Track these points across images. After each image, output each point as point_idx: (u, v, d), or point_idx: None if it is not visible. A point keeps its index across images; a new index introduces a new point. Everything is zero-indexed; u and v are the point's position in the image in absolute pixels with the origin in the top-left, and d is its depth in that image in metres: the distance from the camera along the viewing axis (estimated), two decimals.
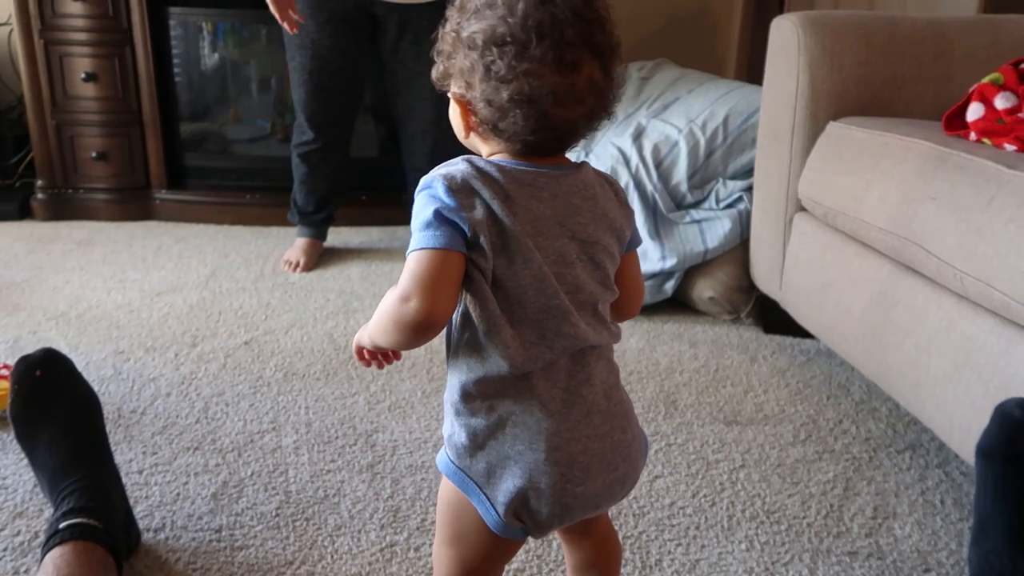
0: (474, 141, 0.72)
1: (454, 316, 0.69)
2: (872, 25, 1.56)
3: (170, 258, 2.17)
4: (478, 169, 0.67)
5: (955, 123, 1.33)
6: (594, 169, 0.74)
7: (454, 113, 0.71)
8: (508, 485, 0.68)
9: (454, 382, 0.71)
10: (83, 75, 2.41)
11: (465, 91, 0.68)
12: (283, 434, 1.30)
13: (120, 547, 0.94)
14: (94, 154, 2.49)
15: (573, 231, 0.69)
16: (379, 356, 0.77)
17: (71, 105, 2.45)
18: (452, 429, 0.71)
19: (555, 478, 0.67)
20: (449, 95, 0.71)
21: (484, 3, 0.67)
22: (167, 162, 2.55)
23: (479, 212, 0.65)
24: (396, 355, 0.77)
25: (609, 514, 1.11)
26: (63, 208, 2.52)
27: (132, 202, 2.54)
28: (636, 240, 0.76)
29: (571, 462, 0.68)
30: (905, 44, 1.54)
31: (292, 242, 2.20)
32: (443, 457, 0.73)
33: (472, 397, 0.69)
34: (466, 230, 0.65)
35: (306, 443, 1.27)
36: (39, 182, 2.52)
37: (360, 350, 0.76)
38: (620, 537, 1.06)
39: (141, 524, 1.05)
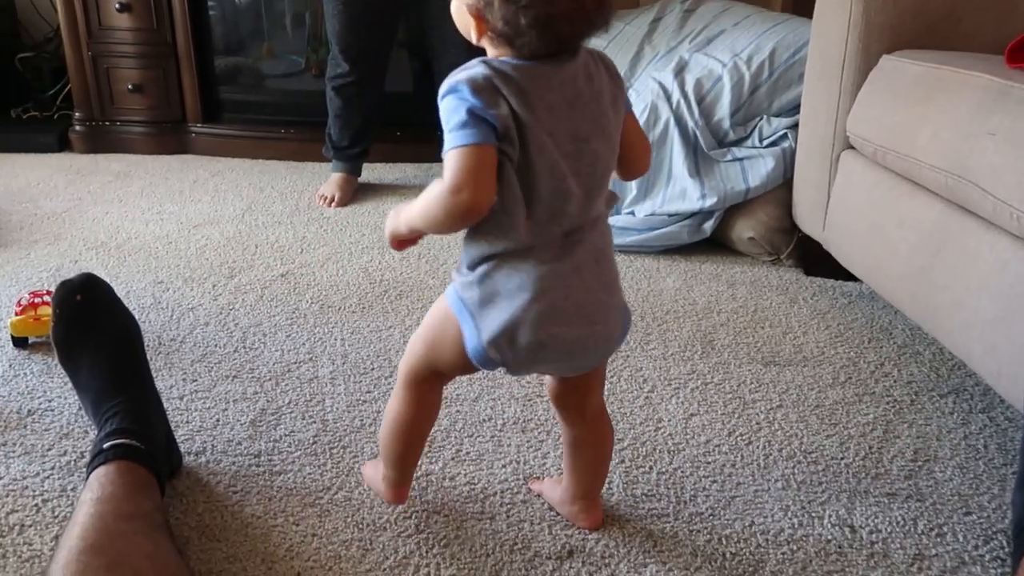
0: (484, 44, 0.78)
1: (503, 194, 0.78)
2: None
3: (206, 191, 2.18)
4: (495, 69, 0.74)
5: (1018, 55, 1.26)
6: (586, 49, 0.79)
7: (464, 19, 0.77)
8: (496, 316, 0.78)
9: (470, 252, 0.80)
10: (117, 5, 2.39)
11: (483, 8, 0.74)
12: (319, 365, 1.31)
13: (162, 468, 0.96)
14: (130, 86, 2.48)
15: (582, 111, 0.76)
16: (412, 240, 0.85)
17: (106, 36, 2.44)
18: (462, 270, 0.82)
19: (536, 315, 0.77)
20: (464, 9, 0.76)
21: None
22: (202, 96, 2.54)
23: (504, 108, 0.73)
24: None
25: (637, 444, 1.11)
26: (101, 141, 2.53)
27: (168, 135, 2.55)
28: (628, 104, 0.83)
29: (553, 304, 0.77)
30: None
31: (327, 177, 2.20)
32: (450, 287, 0.83)
33: (483, 260, 0.79)
34: (496, 125, 0.73)
35: (342, 374, 1.28)
36: (77, 114, 2.53)
37: (398, 240, 0.84)
38: (654, 472, 1.06)
39: (182, 448, 1.07)
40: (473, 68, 0.74)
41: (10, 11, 2.75)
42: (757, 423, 1.19)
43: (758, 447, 1.13)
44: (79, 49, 2.45)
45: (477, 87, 0.72)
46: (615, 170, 0.85)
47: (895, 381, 1.32)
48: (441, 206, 0.74)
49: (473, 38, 0.77)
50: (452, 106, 0.73)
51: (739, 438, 1.15)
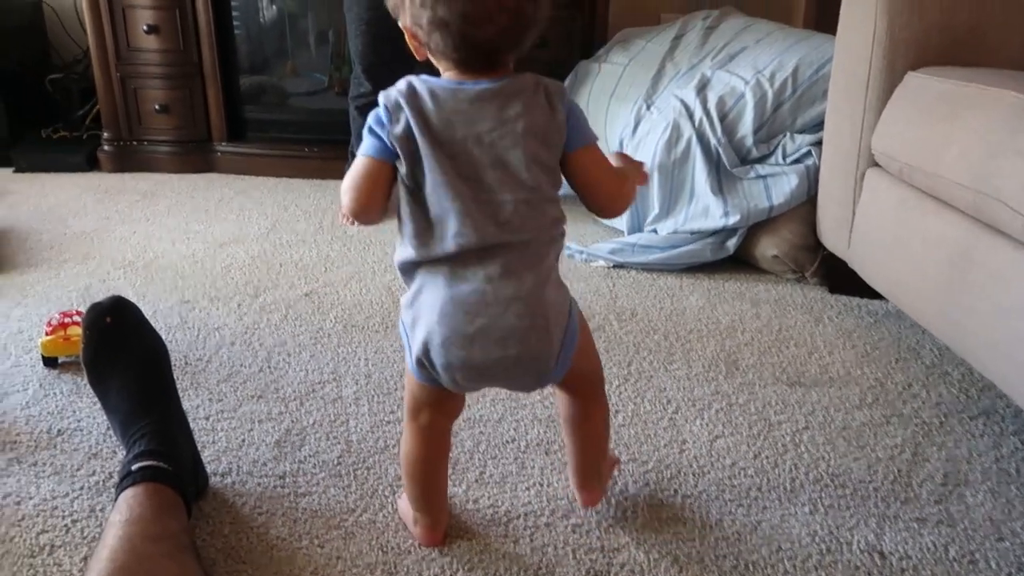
0: (429, 59, 0.83)
1: (401, 207, 0.83)
2: None
3: (231, 210, 2.20)
4: (411, 89, 0.79)
5: None
6: (535, 78, 0.81)
7: (408, 38, 0.82)
8: (418, 336, 0.83)
9: (395, 259, 0.86)
10: (145, 27, 2.43)
11: (406, 20, 0.80)
12: (343, 385, 1.31)
13: (188, 489, 0.97)
14: (157, 106, 2.52)
15: (492, 140, 0.78)
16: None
17: (134, 57, 2.48)
18: (405, 291, 0.87)
19: (441, 338, 0.81)
20: (400, 24, 0.82)
21: None
22: (227, 114, 2.57)
23: (399, 128, 0.78)
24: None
25: (662, 467, 1.10)
26: (128, 160, 2.57)
27: (194, 154, 2.58)
28: (578, 140, 0.83)
29: (454, 328, 0.80)
30: None
31: None
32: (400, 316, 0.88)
33: (404, 270, 0.85)
34: (387, 143, 0.79)
35: (366, 394, 1.28)
36: (105, 134, 2.57)
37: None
38: (679, 495, 1.06)
39: (208, 468, 1.08)
40: (398, 84, 0.80)
41: (41, 33, 2.81)
42: (783, 445, 1.18)
43: (784, 470, 1.12)
44: (108, 70, 2.49)
45: (387, 103, 0.79)
46: (587, 206, 0.88)
47: (923, 402, 1.30)
48: (342, 197, 0.84)
49: (418, 56, 0.83)
50: (370, 114, 0.81)
51: (765, 461, 1.14)
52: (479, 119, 0.79)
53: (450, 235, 0.79)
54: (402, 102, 0.78)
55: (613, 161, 0.91)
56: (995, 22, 1.45)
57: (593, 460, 1.00)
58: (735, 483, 1.09)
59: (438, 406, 0.91)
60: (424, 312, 0.82)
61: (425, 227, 0.80)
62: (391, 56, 2.06)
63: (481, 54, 0.79)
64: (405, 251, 0.83)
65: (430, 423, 0.91)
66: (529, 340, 0.81)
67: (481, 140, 0.78)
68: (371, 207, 0.82)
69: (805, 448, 1.17)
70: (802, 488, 1.08)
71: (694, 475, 1.11)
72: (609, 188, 0.87)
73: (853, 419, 1.25)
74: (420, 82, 0.80)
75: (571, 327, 0.86)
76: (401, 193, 0.82)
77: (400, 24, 0.81)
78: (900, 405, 1.29)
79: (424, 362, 0.83)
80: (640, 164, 0.95)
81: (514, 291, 0.80)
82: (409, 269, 0.84)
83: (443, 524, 0.97)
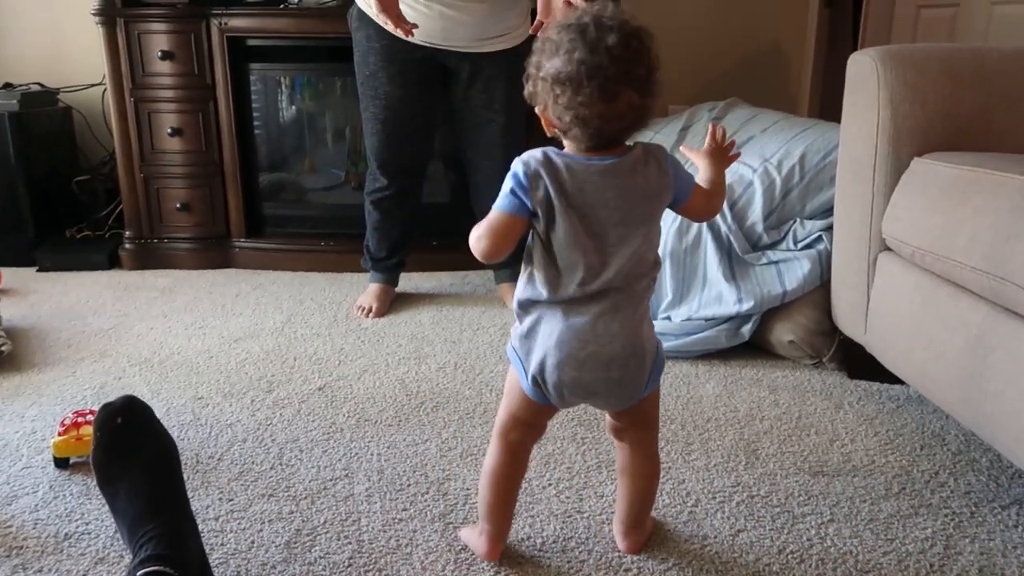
0: (557, 135, 0.97)
1: (528, 252, 0.99)
2: (957, 57, 1.50)
3: (248, 305, 2.22)
4: (548, 159, 0.94)
5: None
6: (643, 147, 0.97)
7: (543, 120, 0.97)
8: (534, 359, 0.98)
9: (516, 293, 1.01)
10: (169, 130, 2.52)
11: (544, 110, 0.95)
12: (355, 481, 1.29)
13: None
14: (178, 205, 2.58)
15: (615, 204, 0.94)
16: None
17: (158, 159, 2.57)
18: (515, 324, 1.02)
19: (556, 361, 0.96)
20: (536, 110, 0.97)
21: (553, 49, 0.92)
22: (246, 211, 2.63)
23: (540, 193, 0.94)
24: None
25: (683, 564, 1.06)
26: (148, 257, 2.62)
27: (213, 251, 2.63)
28: (685, 190, 1.00)
29: (569, 353, 0.95)
30: (994, 76, 1.48)
31: (365, 288, 2.23)
32: (509, 344, 1.04)
33: (524, 307, 1.00)
34: (529, 205, 0.94)
35: (378, 491, 1.26)
36: (127, 233, 2.63)
37: None
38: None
39: (216, 572, 1.05)
40: (533, 154, 0.95)
41: (70, 137, 2.91)
42: (808, 539, 1.14)
43: (811, 566, 1.08)
44: (132, 171, 2.57)
45: (528, 172, 0.94)
46: (688, 216, 1.06)
47: (952, 491, 1.26)
48: (473, 240, 0.99)
49: (548, 133, 0.97)
50: (508, 178, 0.96)
51: (790, 556, 1.10)
52: (606, 188, 0.94)
53: (575, 282, 0.95)
54: (541, 172, 0.93)
55: (701, 165, 1.07)
56: (999, 109, 1.47)
57: (639, 510, 1.10)
58: None
59: (530, 425, 1.05)
60: (541, 339, 0.97)
61: (555, 274, 0.96)
62: (405, 152, 2.11)
63: (609, 141, 0.95)
64: (533, 291, 0.98)
65: (520, 440, 1.06)
66: (628, 366, 0.97)
67: (608, 205, 0.94)
68: (500, 253, 0.97)
69: (831, 541, 1.13)
70: None
71: (717, 571, 1.06)
72: (710, 210, 1.06)
73: (880, 510, 1.21)
74: (555, 155, 0.95)
75: (659, 357, 1.02)
76: (535, 245, 0.97)
77: (536, 110, 0.96)
78: (928, 494, 1.25)
79: (539, 380, 0.98)
80: (709, 150, 1.08)
81: (619, 327, 0.95)
82: (528, 306, 0.99)
83: (504, 538, 1.10)
